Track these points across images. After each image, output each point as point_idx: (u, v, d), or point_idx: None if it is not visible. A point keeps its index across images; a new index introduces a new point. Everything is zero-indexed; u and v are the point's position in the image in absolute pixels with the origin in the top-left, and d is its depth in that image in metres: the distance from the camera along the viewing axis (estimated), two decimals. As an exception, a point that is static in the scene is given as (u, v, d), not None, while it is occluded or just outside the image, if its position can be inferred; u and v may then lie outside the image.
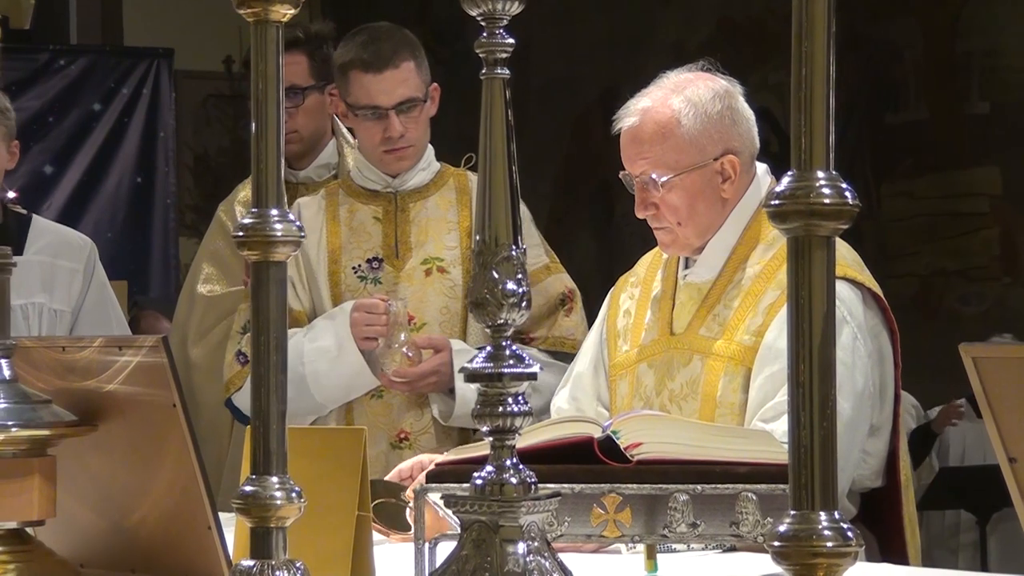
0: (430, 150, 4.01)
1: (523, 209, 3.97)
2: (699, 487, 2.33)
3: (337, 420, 3.88)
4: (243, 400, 3.85)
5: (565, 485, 2.30)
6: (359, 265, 3.92)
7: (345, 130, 4.57)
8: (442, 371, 3.77)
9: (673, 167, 3.14)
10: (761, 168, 3.25)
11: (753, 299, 3.11)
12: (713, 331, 3.13)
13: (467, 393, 3.68)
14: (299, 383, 3.78)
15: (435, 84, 3.95)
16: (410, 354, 3.76)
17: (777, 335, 3.01)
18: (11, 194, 4.17)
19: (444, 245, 3.94)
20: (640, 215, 3.20)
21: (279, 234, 1.62)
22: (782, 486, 2.29)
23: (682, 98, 3.14)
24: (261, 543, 1.62)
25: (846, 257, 3.11)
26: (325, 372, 3.80)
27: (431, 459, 2.90)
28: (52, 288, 3.97)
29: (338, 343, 3.79)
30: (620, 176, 3.22)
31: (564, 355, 3.80)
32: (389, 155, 3.91)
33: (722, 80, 3.20)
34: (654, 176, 3.14)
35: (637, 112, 3.16)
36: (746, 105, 3.21)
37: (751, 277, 3.14)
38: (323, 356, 3.80)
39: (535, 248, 3.93)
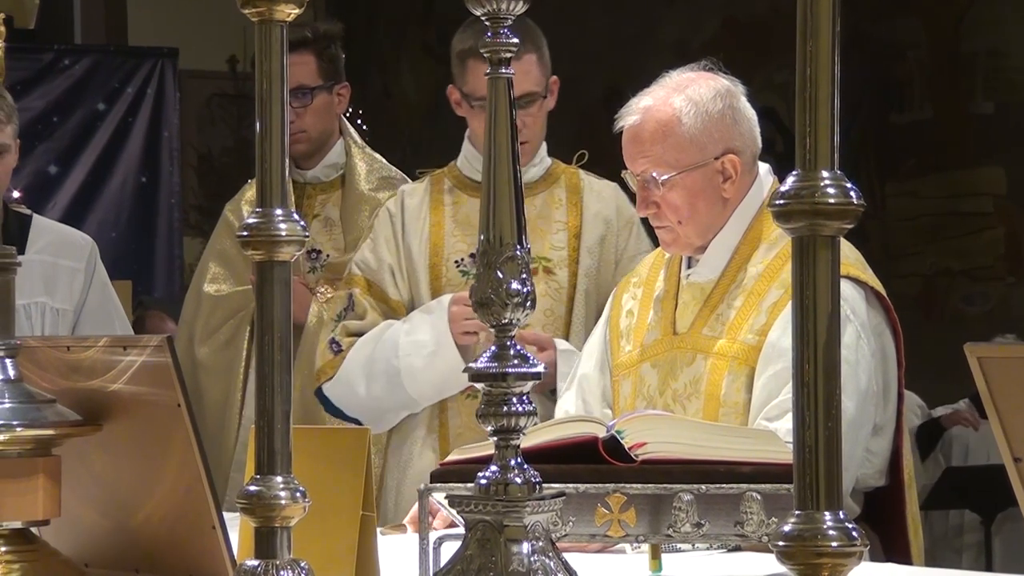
0: (543, 145, 3.91)
1: (633, 214, 3.84)
2: (703, 487, 2.32)
3: (430, 420, 3.81)
4: (335, 391, 3.78)
5: (570, 485, 2.30)
6: (462, 259, 3.83)
7: (352, 130, 4.57)
8: (545, 371, 3.64)
9: (674, 165, 3.14)
10: (763, 168, 3.25)
11: (756, 298, 3.11)
12: (716, 331, 3.14)
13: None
14: (393, 376, 3.72)
15: (555, 77, 3.84)
16: None
17: (780, 334, 3.01)
18: (15, 194, 4.17)
19: (551, 244, 3.82)
20: (641, 214, 3.21)
21: (283, 234, 1.61)
22: (787, 486, 2.28)
23: (683, 97, 3.14)
24: (265, 543, 1.62)
25: (849, 256, 3.11)
26: (421, 367, 3.72)
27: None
28: (54, 288, 3.96)
29: (436, 338, 3.69)
30: (622, 175, 3.22)
31: None
32: None
33: (724, 80, 3.20)
34: (655, 174, 3.14)
35: (639, 111, 3.16)
36: (748, 105, 3.21)
37: (754, 276, 3.14)
38: (419, 351, 3.71)
39: (643, 256, 3.76)
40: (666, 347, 3.21)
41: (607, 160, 3.84)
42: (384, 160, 4.52)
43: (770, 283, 3.11)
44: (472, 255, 3.80)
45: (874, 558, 3.05)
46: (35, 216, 4.18)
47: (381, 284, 3.84)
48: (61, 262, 4.01)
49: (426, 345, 3.70)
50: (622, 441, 2.40)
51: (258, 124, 1.62)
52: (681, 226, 3.17)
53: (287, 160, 1.64)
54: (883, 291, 3.15)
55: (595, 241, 3.83)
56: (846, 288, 3.03)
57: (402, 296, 3.82)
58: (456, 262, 3.83)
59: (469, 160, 3.90)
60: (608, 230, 3.84)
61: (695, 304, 3.20)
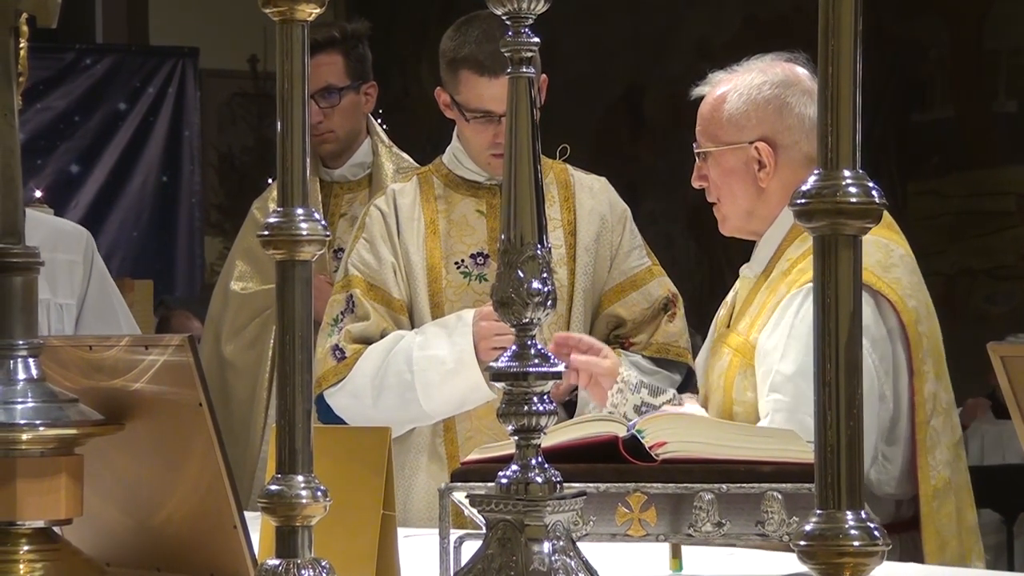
0: None
1: (624, 208, 3.87)
2: (724, 486, 2.32)
3: (434, 425, 3.72)
4: (339, 401, 3.67)
5: (590, 484, 2.30)
6: (462, 260, 3.76)
7: (379, 129, 4.58)
8: (563, 385, 3.58)
9: (713, 141, 3.22)
10: None
11: (774, 295, 3.12)
12: (743, 326, 3.18)
13: (588, 404, 3.56)
14: (405, 390, 3.64)
15: (544, 75, 3.83)
16: None
17: (767, 334, 3.03)
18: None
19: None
20: (695, 185, 3.28)
21: (305, 233, 1.62)
22: (808, 485, 2.28)
23: (740, 79, 3.20)
24: (287, 542, 1.62)
25: (866, 259, 3.10)
26: (437, 384, 3.62)
27: None
28: (55, 283, 3.89)
29: (457, 356, 3.60)
30: None
31: (668, 362, 3.71)
32: (498, 159, 3.73)
33: (799, 71, 3.20)
34: (694, 147, 3.24)
35: (708, 84, 3.26)
36: (812, 103, 3.18)
37: (781, 272, 3.15)
38: (436, 367, 3.62)
39: (637, 250, 3.83)
40: (718, 340, 3.26)
41: (623, 157, 3.85)
42: (411, 159, 4.53)
43: (786, 280, 3.11)
44: (473, 256, 3.76)
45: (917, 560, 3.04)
46: (28, 211, 4.13)
47: (384, 284, 3.74)
48: (58, 256, 3.94)
49: (444, 362, 3.61)
50: (642, 440, 2.40)
51: (279, 124, 1.63)
52: (720, 204, 3.23)
53: (308, 160, 1.64)
54: (896, 296, 3.11)
55: (591, 239, 3.81)
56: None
57: (403, 295, 3.74)
58: (456, 263, 3.76)
59: (459, 159, 3.84)
60: (603, 227, 3.82)
61: (743, 298, 3.24)
